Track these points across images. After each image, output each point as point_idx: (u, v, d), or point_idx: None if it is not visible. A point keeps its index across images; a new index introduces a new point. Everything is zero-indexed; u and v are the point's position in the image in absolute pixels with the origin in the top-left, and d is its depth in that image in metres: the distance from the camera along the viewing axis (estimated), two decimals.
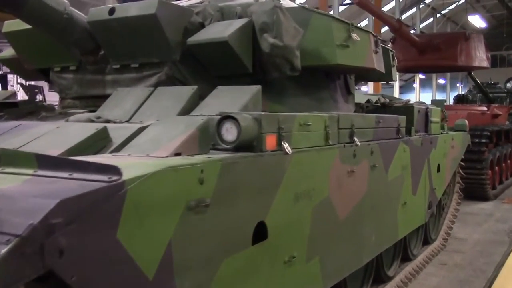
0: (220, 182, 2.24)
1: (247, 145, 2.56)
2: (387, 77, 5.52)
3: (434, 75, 36.50)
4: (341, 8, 24.70)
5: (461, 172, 7.32)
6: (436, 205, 5.98)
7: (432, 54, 11.44)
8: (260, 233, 2.56)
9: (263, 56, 3.43)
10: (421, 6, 31.98)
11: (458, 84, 37.58)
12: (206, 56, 3.45)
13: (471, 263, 5.95)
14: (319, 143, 3.20)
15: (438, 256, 6.17)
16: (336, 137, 3.42)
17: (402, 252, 5.25)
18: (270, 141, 2.67)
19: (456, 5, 34.59)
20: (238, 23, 3.40)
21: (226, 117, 2.54)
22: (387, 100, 5.63)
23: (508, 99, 15.17)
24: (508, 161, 11.80)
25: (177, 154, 2.29)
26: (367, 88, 24.24)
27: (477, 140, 9.62)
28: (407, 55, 11.65)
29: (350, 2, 23.58)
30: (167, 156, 2.22)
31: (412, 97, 33.70)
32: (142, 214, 1.84)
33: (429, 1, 32.69)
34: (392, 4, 29.53)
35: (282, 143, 2.75)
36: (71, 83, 3.90)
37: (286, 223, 2.78)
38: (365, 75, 5.06)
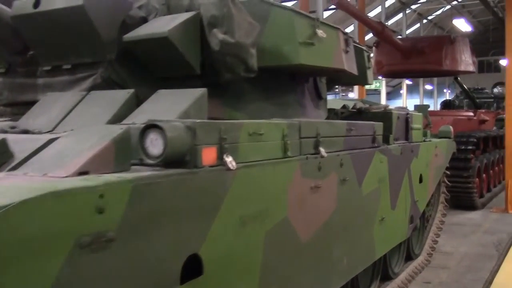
0: (132, 208, 1.77)
1: (178, 159, 2.11)
2: (361, 80, 5.06)
3: (421, 81, 36.33)
4: (326, 14, 24.35)
5: (446, 181, 6.92)
6: (419, 218, 5.54)
7: (416, 58, 11.08)
8: (193, 268, 2.09)
9: (212, 55, 2.99)
10: (407, 11, 31.76)
11: (445, 90, 37.39)
12: (145, 55, 3.00)
13: (457, 280, 5.52)
14: (275, 155, 2.74)
15: (422, 273, 5.73)
16: (298, 148, 2.97)
17: (381, 271, 4.80)
18: (207, 154, 2.21)
19: (442, 10, 34.44)
20: (182, 17, 2.96)
21: (150, 126, 2.09)
22: (365, 106, 5.18)
23: (495, 104, 14.91)
24: (496, 168, 11.45)
25: (83, 173, 1.84)
26: (354, 94, 23.92)
27: (463, 147, 9.28)
28: (391, 59, 11.32)
29: (335, 7, 23.27)
30: (67, 176, 1.76)
31: (399, 104, 33.44)
32: (5, 257, 1.37)
33: (415, 6, 32.48)
34: (378, 9, 29.24)
35: (224, 156, 2.29)
36: (1, 88, 3.45)
37: (229, 253, 2.31)
38: (335, 77, 4.60)
